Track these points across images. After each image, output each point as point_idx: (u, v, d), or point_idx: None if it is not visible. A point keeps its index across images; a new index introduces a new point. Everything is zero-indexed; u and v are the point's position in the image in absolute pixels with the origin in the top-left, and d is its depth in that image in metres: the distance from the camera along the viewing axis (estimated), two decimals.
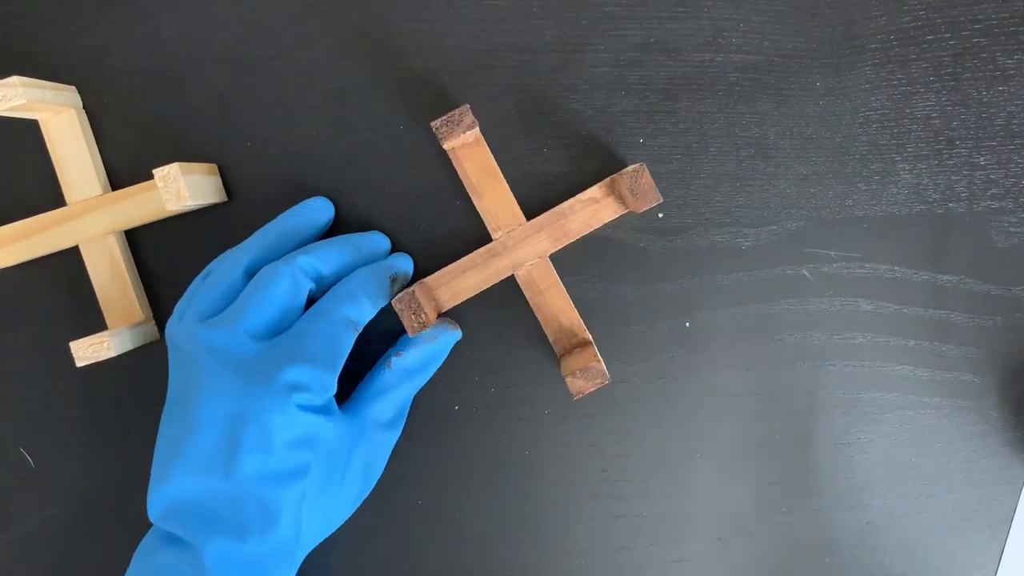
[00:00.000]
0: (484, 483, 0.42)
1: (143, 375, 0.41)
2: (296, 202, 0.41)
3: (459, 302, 0.39)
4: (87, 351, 0.38)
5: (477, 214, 0.40)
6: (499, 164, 0.40)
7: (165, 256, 0.41)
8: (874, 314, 0.41)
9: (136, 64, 0.41)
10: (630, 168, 0.36)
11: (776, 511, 0.42)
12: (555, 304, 0.39)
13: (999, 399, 0.41)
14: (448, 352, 0.41)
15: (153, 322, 0.41)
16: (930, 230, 0.41)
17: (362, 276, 0.37)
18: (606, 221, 0.38)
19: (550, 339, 0.39)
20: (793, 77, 0.41)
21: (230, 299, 0.36)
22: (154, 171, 0.37)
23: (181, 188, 0.37)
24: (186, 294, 0.37)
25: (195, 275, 0.38)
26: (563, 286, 0.39)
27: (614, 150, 0.41)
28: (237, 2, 0.41)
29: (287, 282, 0.35)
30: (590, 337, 0.39)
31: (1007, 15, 0.40)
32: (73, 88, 0.41)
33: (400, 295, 0.36)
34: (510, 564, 0.42)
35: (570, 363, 0.37)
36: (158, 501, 0.33)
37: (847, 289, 0.41)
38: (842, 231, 0.41)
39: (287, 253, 0.37)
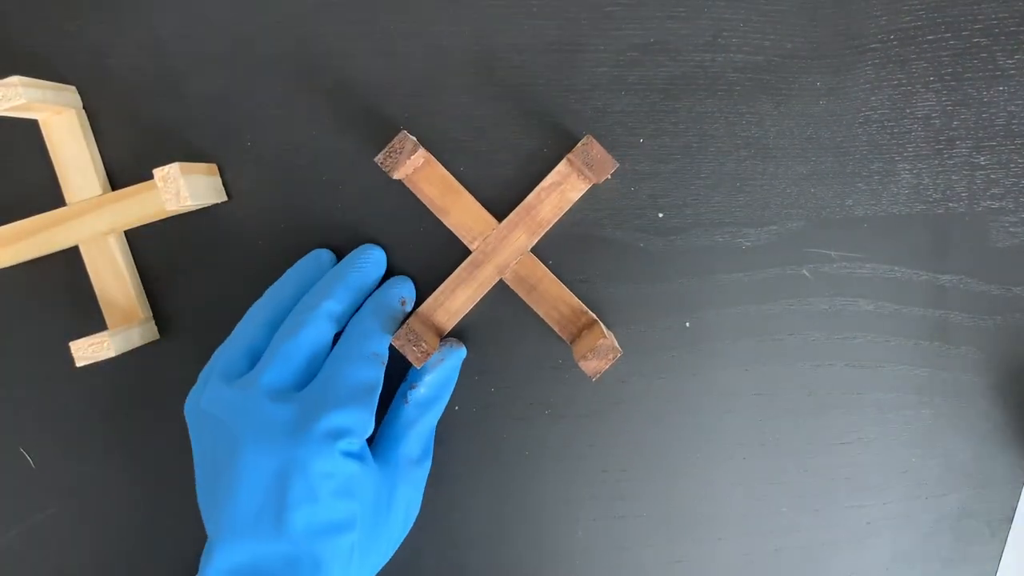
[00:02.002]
0: (484, 483, 0.41)
1: (143, 375, 0.41)
2: (297, 203, 0.41)
3: (457, 321, 0.39)
4: (87, 351, 0.38)
5: (479, 213, 0.40)
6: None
7: (165, 256, 0.41)
8: (874, 314, 0.41)
9: (136, 64, 0.41)
10: (579, 144, 0.36)
11: (776, 511, 0.42)
12: (550, 294, 0.39)
13: (999, 399, 0.41)
14: (459, 370, 0.40)
15: (153, 322, 0.41)
16: (930, 230, 0.41)
17: (372, 306, 0.38)
18: (574, 201, 0.39)
19: (556, 329, 0.39)
20: (793, 77, 0.40)
21: (254, 356, 0.36)
22: (154, 171, 0.37)
23: (181, 188, 0.37)
24: (209, 363, 0.37)
25: (195, 275, 0.38)
26: (553, 275, 0.39)
27: (614, 150, 0.41)
28: (237, 2, 0.41)
29: (312, 331, 0.35)
30: (594, 316, 0.39)
31: (1007, 15, 0.40)
32: (73, 88, 0.41)
33: (397, 332, 0.36)
34: (510, 564, 0.42)
35: (580, 347, 0.37)
36: (213, 574, 0.32)
37: (847, 289, 0.41)
38: (842, 231, 0.41)
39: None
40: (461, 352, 0.40)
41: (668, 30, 0.40)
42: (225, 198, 0.41)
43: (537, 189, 0.38)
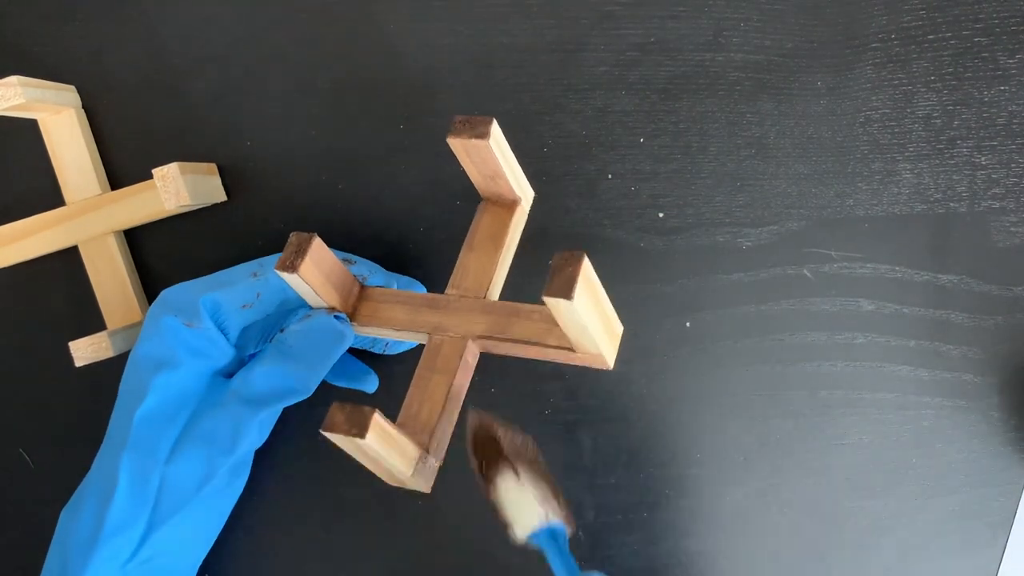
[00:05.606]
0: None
1: None
2: (297, 203, 0.41)
3: (371, 325, 0.34)
4: (87, 351, 0.38)
5: (488, 273, 0.38)
6: None
7: (164, 256, 0.41)
8: (875, 314, 0.41)
9: (136, 64, 0.41)
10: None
11: (777, 512, 0.42)
12: (431, 389, 0.32)
13: (999, 399, 0.41)
14: (332, 346, 0.34)
15: None
16: (931, 230, 0.41)
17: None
18: (546, 345, 0.32)
19: (398, 419, 0.32)
20: (794, 76, 0.40)
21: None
22: (153, 171, 0.37)
23: (180, 188, 0.37)
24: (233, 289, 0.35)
25: (195, 275, 0.38)
26: (457, 395, 0.33)
27: (614, 150, 0.41)
28: (236, 2, 0.41)
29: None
30: (429, 448, 0.31)
31: (1008, 15, 0.40)
32: (72, 88, 0.41)
33: (303, 234, 0.31)
34: (510, 565, 0.42)
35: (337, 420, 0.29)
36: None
37: (848, 289, 0.41)
38: (843, 231, 0.41)
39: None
40: (339, 327, 0.34)
41: (668, 29, 0.40)
42: (224, 198, 0.41)
43: (532, 308, 0.32)
